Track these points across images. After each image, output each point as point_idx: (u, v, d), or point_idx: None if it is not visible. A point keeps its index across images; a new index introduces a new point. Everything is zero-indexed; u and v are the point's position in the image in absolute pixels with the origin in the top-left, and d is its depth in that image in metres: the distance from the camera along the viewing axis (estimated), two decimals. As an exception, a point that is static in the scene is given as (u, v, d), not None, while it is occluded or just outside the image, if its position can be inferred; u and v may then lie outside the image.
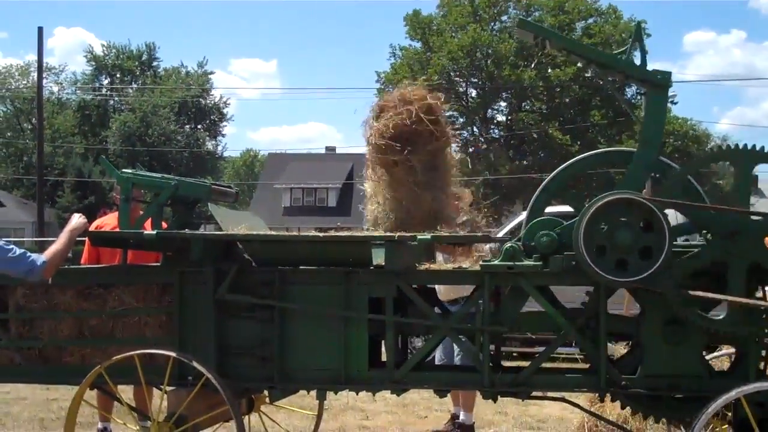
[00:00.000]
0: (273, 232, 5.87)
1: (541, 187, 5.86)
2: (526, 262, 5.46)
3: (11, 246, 5.30)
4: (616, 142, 47.46)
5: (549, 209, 6.00)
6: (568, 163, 5.96)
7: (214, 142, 78.27)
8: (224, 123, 78.72)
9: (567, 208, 5.75)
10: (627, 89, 54.48)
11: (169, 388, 5.71)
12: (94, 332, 5.94)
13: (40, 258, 5.28)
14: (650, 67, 5.57)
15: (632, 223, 5.16)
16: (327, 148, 69.60)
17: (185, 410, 5.60)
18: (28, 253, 5.30)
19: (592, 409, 7.09)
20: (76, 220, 5.70)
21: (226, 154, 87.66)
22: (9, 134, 73.92)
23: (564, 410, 8.83)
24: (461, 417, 8.24)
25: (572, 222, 5.39)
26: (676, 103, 56.31)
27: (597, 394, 6.37)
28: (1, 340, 5.94)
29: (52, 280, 5.67)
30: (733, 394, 5.11)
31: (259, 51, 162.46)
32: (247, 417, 6.59)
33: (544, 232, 5.52)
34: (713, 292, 5.24)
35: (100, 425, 7.98)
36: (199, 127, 75.45)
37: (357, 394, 5.94)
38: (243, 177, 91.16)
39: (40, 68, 37.97)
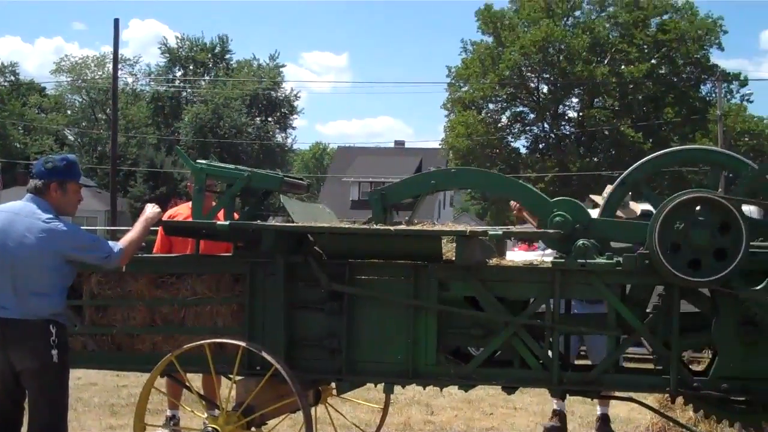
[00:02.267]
0: (344, 225, 5.88)
1: (618, 180, 5.79)
2: (599, 260, 5.40)
3: (89, 234, 5.39)
4: (689, 140, 46.73)
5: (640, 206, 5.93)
6: (652, 156, 5.85)
7: (283, 134, 78.81)
8: (294, 116, 79.13)
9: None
10: (702, 86, 53.75)
11: (238, 378, 5.76)
12: (165, 320, 6.02)
13: (116, 246, 5.35)
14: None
15: (708, 222, 5.08)
16: (396, 142, 69.78)
17: (253, 400, 5.64)
18: (105, 241, 5.38)
19: (662, 410, 7.00)
20: (151, 209, 5.76)
21: (295, 146, 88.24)
22: (84, 124, 75.23)
23: (632, 411, 8.73)
24: (555, 405, 8.24)
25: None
26: (752, 102, 55.33)
27: (666, 396, 6.28)
28: (75, 327, 6.03)
29: (126, 268, 5.75)
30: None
31: (331, 44, 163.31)
32: (313, 408, 6.62)
33: (558, 212, 5.50)
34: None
35: (168, 412, 8.09)
36: (269, 119, 75.96)
37: (424, 389, 5.93)
38: (312, 170, 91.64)
39: (115, 60, 38.56)
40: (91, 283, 6.09)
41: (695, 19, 52.71)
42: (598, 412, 8.37)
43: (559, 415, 8.27)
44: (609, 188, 6.62)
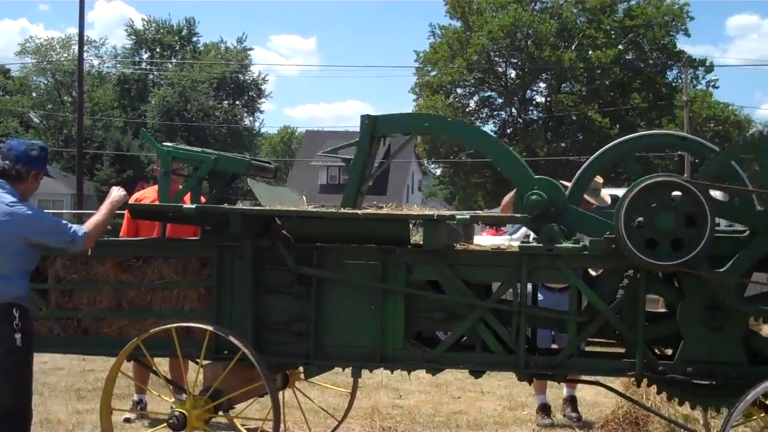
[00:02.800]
0: (312, 209, 5.86)
1: (585, 165, 5.81)
2: (566, 244, 5.42)
3: (53, 218, 5.35)
4: (655, 126, 47.03)
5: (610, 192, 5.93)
6: (620, 140, 5.87)
7: (251, 118, 78.60)
8: (262, 99, 79.00)
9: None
10: (668, 72, 54.10)
11: (205, 362, 5.74)
12: (132, 304, 5.97)
13: (81, 229, 5.31)
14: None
15: (674, 206, 5.10)
16: (364, 126, 69.33)
17: (221, 384, 5.63)
18: (70, 225, 5.34)
19: (627, 393, 7.05)
20: (116, 192, 5.72)
21: (263, 130, 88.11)
22: (50, 107, 74.46)
23: (598, 394, 8.79)
24: (537, 399, 8.25)
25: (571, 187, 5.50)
26: (717, 88, 55.69)
27: (633, 379, 6.32)
28: (40, 311, 5.98)
29: (92, 252, 5.71)
30: (773, 381, 5.05)
31: (299, 27, 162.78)
32: (281, 393, 6.61)
33: (536, 191, 5.50)
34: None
35: (135, 397, 8.07)
36: (237, 103, 75.69)
37: (392, 373, 5.95)
38: (280, 154, 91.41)
39: (81, 41, 38.19)
40: (56, 267, 6.02)
41: (662, 4, 53.03)
42: (565, 394, 8.41)
43: (548, 409, 8.27)
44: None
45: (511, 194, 6.87)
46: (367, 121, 5.92)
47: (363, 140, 5.93)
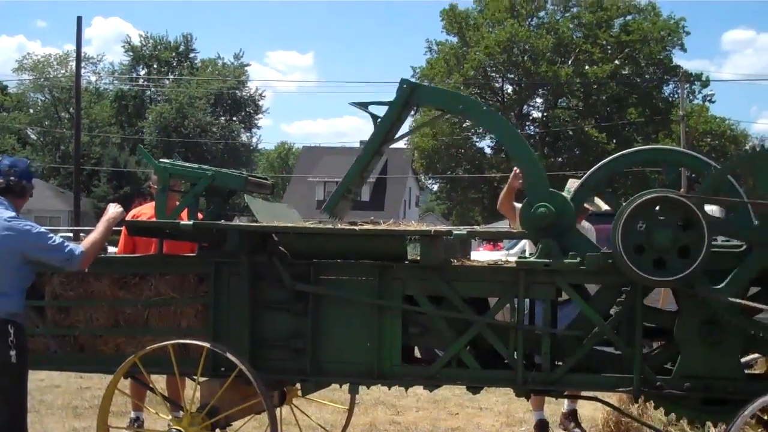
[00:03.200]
0: (309, 225, 5.87)
1: (581, 181, 5.80)
2: (564, 260, 5.42)
3: (51, 235, 5.35)
4: (652, 141, 47.11)
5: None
6: (613, 157, 5.85)
7: (248, 134, 78.67)
8: (259, 115, 79.09)
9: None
10: (665, 87, 54.21)
11: (202, 379, 5.73)
12: (129, 321, 5.97)
13: (78, 248, 5.31)
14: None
15: (670, 221, 5.11)
16: (361, 142, 69.54)
17: (218, 401, 5.62)
18: (67, 243, 5.34)
19: (622, 408, 7.05)
20: (113, 209, 5.73)
21: (260, 146, 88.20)
22: (47, 123, 74.47)
23: (596, 410, 8.77)
24: (535, 415, 8.20)
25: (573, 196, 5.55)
26: (713, 102, 55.74)
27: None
28: (37, 328, 5.97)
29: (89, 269, 5.71)
30: (771, 397, 5.04)
31: (296, 43, 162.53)
32: (278, 409, 6.60)
33: (543, 203, 5.48)
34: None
35: (132, 414, 8.03)
36: (234, 119, 75.74)
37: (389, 389, 5.93)
38: (277, 170, 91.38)
39: (78, 58, 38.27)
40: (53, 284, 6.03)
41: (658, 20, 53.20)
42: (565, 409, 8.35)
43: (546, 426, 8.22)
44: (571, 182, 6.66)
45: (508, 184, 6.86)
46: (406, 86, 5.84)
47: (396, 103, 5.85)
